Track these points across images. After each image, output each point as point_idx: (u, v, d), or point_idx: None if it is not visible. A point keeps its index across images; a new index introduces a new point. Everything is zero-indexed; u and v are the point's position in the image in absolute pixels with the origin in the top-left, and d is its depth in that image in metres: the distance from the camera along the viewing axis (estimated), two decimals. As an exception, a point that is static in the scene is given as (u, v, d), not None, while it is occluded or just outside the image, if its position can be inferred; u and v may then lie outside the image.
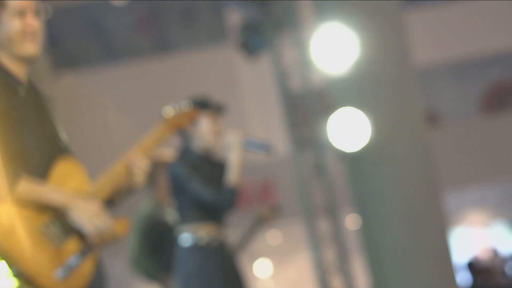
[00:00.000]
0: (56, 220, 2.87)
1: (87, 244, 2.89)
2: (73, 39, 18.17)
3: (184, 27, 18.24)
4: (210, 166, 4.71)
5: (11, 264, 2.72)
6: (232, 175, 4.52)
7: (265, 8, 8.65)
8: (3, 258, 2.73)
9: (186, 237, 4.58)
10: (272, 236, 15.64)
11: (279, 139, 8.79)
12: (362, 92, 8.42)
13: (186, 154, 4.67)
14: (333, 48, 8.27)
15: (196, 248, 4.56)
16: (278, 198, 14.89)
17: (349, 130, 8.08)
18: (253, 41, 9.22)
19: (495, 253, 14.71)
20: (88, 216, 2.85)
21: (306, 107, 8.79)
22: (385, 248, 8.38)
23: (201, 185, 4.52)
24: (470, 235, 15.43)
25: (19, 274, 2.73)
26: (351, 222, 13.66)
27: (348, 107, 8.13)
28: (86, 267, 2.89)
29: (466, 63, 16.95)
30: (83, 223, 2.85)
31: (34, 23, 2.97)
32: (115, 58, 18.03)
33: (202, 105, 4.63)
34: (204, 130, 4.64)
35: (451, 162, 14.94)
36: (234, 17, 12.89)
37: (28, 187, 2.81)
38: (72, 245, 2.89)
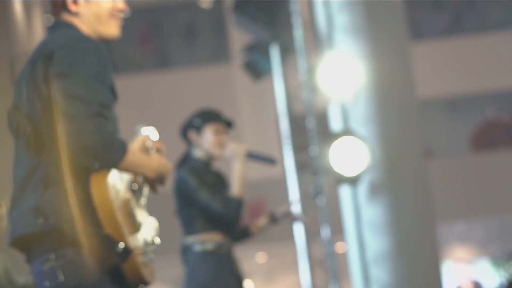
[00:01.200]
0: (132, 200, 2.81)
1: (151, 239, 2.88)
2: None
3: (185, 44, 18.31)
4: (211, 175, 4.81)
5: (117, 237, 2.64)
6: (237, 188, 4.63)
7: (272, 31, 8.73)
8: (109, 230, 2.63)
9: (197, 247, 4.61)
10: (257, 257, 15.65)
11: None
12: (364, 119, 8.50)
13: (190, 160, 4.76)
14: (338, 74, 8.36)
15: (208, 255, 4.60)
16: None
17: (348, 155, 8.13)
18: (260, 62, 9.30)
19: (478, 286, 14.79)
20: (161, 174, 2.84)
21: (307, 130, 8.83)
22: (377, 276, 8.42)
23: (209, 198, 4.59)
24: (455, 271, 15.47)
25: (124, 249, 2.66)
26: (342, 247, 13.72)
27: (349, 133, 8.20)
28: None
29: (460, 99, 17.08)
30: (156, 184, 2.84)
31: (123, 5, 3.01)
32: (115, 72, 18.05)
33: (211, 116, 4.76)
34: (210, 140, 4.71)
35: (439, 196, 15.02)
36: (237, 37, 13.01)
37: (135, 155, 2.76)
38: (141, 239, 2.82)
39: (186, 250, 4.65)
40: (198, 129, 4.73)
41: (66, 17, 2.92)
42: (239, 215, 4.63)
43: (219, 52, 17.84)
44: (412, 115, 8.77)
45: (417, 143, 8.71)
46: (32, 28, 18.34)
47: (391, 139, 8.49)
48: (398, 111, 8.62)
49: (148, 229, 2.86)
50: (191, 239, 4.63)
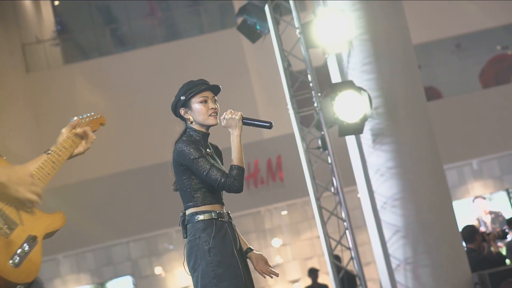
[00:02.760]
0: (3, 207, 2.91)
1: (33, 235, 2.99)
2: (84, 27, 18.31)
3: (192, 13, 18.36)
4: (209, 146, 4.67)
5: None
6: (235, 157, 4.50)
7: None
8: None
9: (197, 217, 4.52)
10: (283, 215, 15.79)
11: (286, 116, 8.98)
12: (361, 69, 8.59)
13: (188, 132, 4.64)
14: (332, 28, 8.45)
15: (208, 225, 4.50)
16: (282, 175, 15.12)
17: (350, 106, 8.24)
18: (256, 23, 9.37)
19: (497, 215, 14.88)
20: (26, 188, 2.94)
21: (309, 85, 8.90)
22: (388, 220, 8.56)
23: (208, 168, 4.46)
24: (473, 206, 15.50)
25: None
26: (355, 195, 13.87)
27: (348, 84, 8.31)
28: (36, 256, 2.97)
29: (465, 38, 17.02)
30: (23, 194, 2.94)
31: None
32: (126, 46, 18.17)
33: (192, 88, 4.61)
34: (199, 111, 4.60)
35: (452, 136, 15.07)
36: (241, 3, 13.10)
37: None
38: (18, 237, 2.94)
39: (186, 222, 4.57)
40: (185, 105, 4.62)
41: None
42: (239, 183, 4.46)
43: (225, 17, 17.92)
44: (409, 60, 8.79)
45: (416, 87, 8.74)
46: (41, 15, 18.57)
47: (389, 85, 8.58)
48: (395, 57, 8.67)
49: (24, 231, 2.96)
50: (190, 210, 4.55)
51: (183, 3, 18.48)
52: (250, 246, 4.74)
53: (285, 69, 8.92)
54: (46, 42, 17.65)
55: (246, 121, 4.58)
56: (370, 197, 8.67)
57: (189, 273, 4.56)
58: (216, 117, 4.60)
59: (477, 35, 16.78)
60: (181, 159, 4.49)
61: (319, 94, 8.81)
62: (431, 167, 8.59)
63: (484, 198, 15.39)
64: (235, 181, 4.44)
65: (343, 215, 8.79)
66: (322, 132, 8.79)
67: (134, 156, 15.96)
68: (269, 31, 9.11)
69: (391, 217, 8.49)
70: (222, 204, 4.61)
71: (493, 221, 15.03)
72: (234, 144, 4.51)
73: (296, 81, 9.11)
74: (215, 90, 4.67)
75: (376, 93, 8.49)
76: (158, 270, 15.64)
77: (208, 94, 4.63)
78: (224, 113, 4.56)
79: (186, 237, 4.60)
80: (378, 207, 8.59)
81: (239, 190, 4.48)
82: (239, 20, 9.47)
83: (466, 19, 16.18)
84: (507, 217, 14.37)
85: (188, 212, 4.57)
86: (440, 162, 8.73)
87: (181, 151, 4.49)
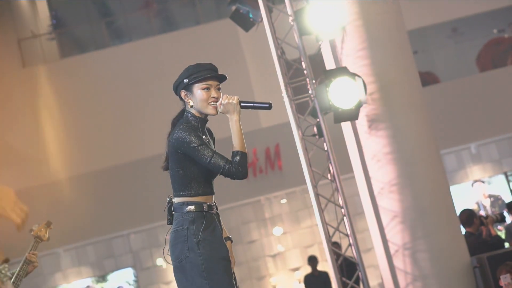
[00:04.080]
0: None
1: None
2: (79, 21, 18.28)
3: (188, 4, 18.33)
4: (205, 133, 4.57)
5: None
6: (237, 144, 4.41)
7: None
8: None
9: (188, 208, 4.43)
10: (282, 203, 15.78)
11: (284, 105, 8.94)
12: (355, 55, 8.58)
13: (186, 117, 4.54)
14: (326, 13, 8.44)
15: (197, 217, 4.43)
16: (281, 163, 15.12)
17: (344, 92, 8.23)
18: (249, 12, 9.36)
19: (496, 199, 14.86)
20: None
21: (303, 72, 8.88)
22: (385, 206, 8.55)
23: (211, 155, 4.37)
24: (472, 190, 15.49)
25: None
26: (353, 183, 13.87)
27: (343, 69, 8.29)
28: None
29: (461, 22, 16.98)
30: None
31: None
32: (122, 39, 18.14)
33: (198, 73, 4.51)
34: (200, 97, 4.51)
35: (450, 120, 15.05)
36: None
37: None
38: None
39: (173, 209, 4.49)
40: (187, 88, 4.52)
41: None
42: (244, 169, 4.36)
43: (221, 7, 17.88)
44: (404, 44, 8.77)
45: (411, 71, 8.74)
46: (36, 9, 18.56)
47: (383, 71, 8.56)
48: (389, 42, 8.66)
49: None
50: (181, 199, 4.46)
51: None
52: (229, 235, 4.66)
53: (279, 57, 8.90)
54: (42, 36, 17.64)
55: (244, 104, 4.48)
56: (367, 183, 8.67)
57: (169, 261, 4.51)
58: (216, 107, 4.48)
59: (473, 18, 16.73)
60: (181, 147, 4.39)
61: (314, 81, 8.78)
62: (428, 151, 8.59)
63: (483, 182, 15.38)
64: (240, 167, 4.34)
65: (340, 202, 8.78)
66: (318, 119, 8.77)
67: (133, 148, 15.95)
68: (262, 19, 9.07)
69: (389, 203, 8.49)
70: (213, 193, 4.54)
71: (492, 204, 15.03)
72: (234, 129, 4.41)
73: (291, 68, 9.08)
74: (221, 79, 4.57)
75: (370, 78, 8.49)
76: (159, 261, 15.66)
77: (212, 82, 4.52)
78: (220, 99, 4.46)
79: (170, 224, 4.54)
80: (375, 192, 8.60)
81: (244, 176, 4.38)
82: (232, 9, 9.44)
83: (462, 3, 16.12)
84: (506, 200, 14.36)
85: (177, 200, 4.49)
86: (437, 146, 8.74)
87: (181, 138, 4.39)
